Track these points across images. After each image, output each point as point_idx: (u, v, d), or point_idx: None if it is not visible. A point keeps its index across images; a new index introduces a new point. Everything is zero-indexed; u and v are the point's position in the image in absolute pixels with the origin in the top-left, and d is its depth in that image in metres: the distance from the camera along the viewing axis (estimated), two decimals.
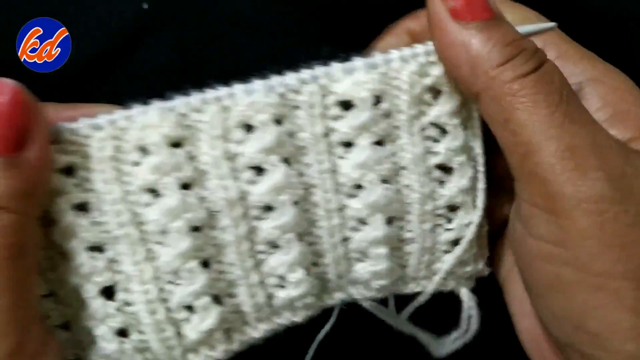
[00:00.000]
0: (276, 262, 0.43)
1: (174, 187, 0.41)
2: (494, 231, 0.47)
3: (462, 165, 0.44)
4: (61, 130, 0.41)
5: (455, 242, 0.45)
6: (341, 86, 0.43)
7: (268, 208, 0.43)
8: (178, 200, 0.41)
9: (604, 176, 0.36)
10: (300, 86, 0.43)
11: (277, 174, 0.42)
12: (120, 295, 0.42)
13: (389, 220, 0.45)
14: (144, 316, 0.42)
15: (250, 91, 0.42)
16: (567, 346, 0.39)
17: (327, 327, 0.47)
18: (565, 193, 0.36)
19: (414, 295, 0.47)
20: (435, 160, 0.44)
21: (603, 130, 0.37)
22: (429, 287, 0.46)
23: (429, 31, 0.41)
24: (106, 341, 0.42)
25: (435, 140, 0.44)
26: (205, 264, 0.43)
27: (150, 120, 0.41)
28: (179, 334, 0.43)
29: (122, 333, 0.43)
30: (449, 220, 0.45)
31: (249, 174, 0.42)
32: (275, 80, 0.42)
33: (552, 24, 0.43)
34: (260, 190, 0.42)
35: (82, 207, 0.42)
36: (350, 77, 0.43)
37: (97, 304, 0.42)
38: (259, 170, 0.43)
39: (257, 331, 0.45)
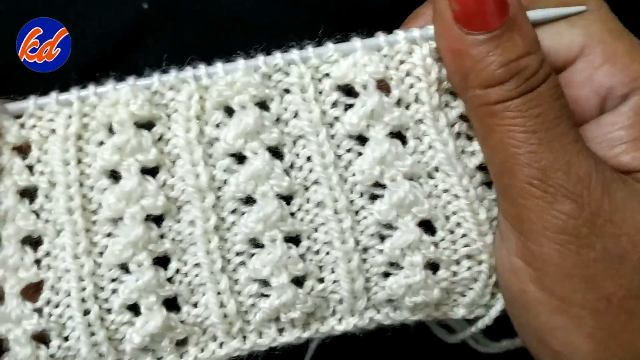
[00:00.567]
0: (258, 263, 0.39)
1: (135, 170, 0.38)
2: None
3: None
4: (27, 104, 0.39)
5: None
6: (337, 68, 0.39)
7: (247, 202, 0.39)
8: (135, 184, 0.38)
9: (573, 209, 0.35)
10: (288, 67, 0.39)
11: (257, 161, 0.39)
12: (45, 294, 0.39)
13: (430, 228, 0.40)
14: (76, 316, 0.38)
15: (231, 71, 0.39)
16: (534, 355, 0.40)
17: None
18: (532, 219, 0.36)
19: None
20: (475, 161, 0.40)
21: (588, 160, 0.36)
22: (492, 313, 0.42)
23: (434, 29, 0.39)
24: (19, 345, 0.38)
25: (470, 138, 0.40)
26: (162, 261, 0.39)
27: (121, 96, 0.39)
28: (114, 339, 0.39)
29: (41, 338, 0.39)
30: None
31: (227, 162, 0.39)
32: (259, 59, 0.39)
33: (581, 8, 0.40)
34: (237, 180, 0.39)
35: (25, 193, 0.39)
36: (347, 59, 0.39)
37: (13, 303, 0.38)
38: (240, 159, 0.39)
39: (224, 348, 0.40)
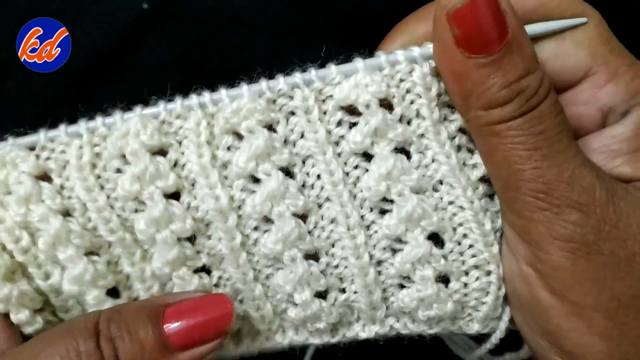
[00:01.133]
0: (281, 279, 0.41)
1: (158, 196, 0.39)
2: None
3: None
4: (37, 137, 0.40)
5: None
6: (340, 90, 0.40)
7: (266, 221, 0.41)
8: (161, 210, 0.39)
9: (580, 218, 0.37)
10: (292, 90, 0.40)
11: (272, 182, 0.39)
12: (124, 294, 0.42)
13: (439, 241, 0.41)
14: None
15: (235, 97, 0.40)
16: (543, 359, 0.41)
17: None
18: (540, 230, 0.37)
19: None
20: (477, 173, 0.40)
21: (590, 171, 0.37)
22: (502, 325, 0.42)
23: (433, 49, 0.39)
24: None
25: (470, 151, 0.41)
26: (206, 270, 0.42)
27: (130, 127, 0.39)
28: None
29: None
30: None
31: (242, 182, 0.40)
32: (263, 84, 0.40)
33: (582, 20, 0.41)
34: (254, 202, 0.40)
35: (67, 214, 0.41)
36: (349, 80, 0.39)
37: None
38: (256, 179, 0.40)
39: (269, 342, 0.44)
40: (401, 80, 0.40)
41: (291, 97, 0.40)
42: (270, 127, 0.40)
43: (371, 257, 0.40)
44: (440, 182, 0.40)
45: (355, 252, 0.40)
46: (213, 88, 0.41)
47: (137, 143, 0.39)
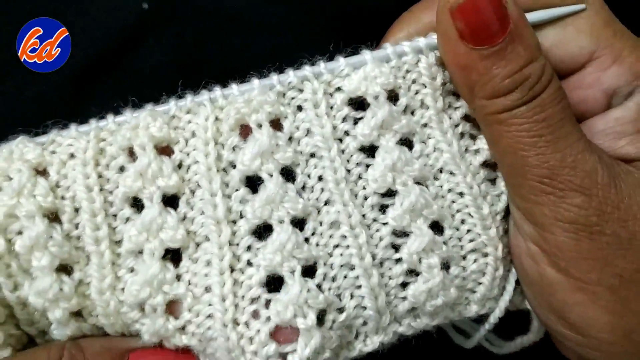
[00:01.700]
0: (280, 305, 0.38)
1: (157, 198, 0.39)
2: None
3: None
4: (47, 137, 0.40)
5: None
6: (349, 82, 0.40)
7: (261, 236, 0.39)
8: (155, 214, 0.38)
9: (583, 201, 0.38)
10: (301, 83, 0.40)
11: (271, 185, 0.39)
12: (90, 320, 0.39)
13: (440, 230, 0.41)
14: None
15: (246, 91, 0.40)
16: (552, 330, 0.43)
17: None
18: (545, 212, 0.39)
19: None
20: (479, 158, 0.42)
21: (592, 155, 0.39)
22: (501, 304, 0.43)
23: (437, 43, 0.41)
24: None
25: (473, 137, 0.42)
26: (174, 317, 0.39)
27: (140, 120, 0.39)
28: None
29: None
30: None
31: (241, 192, 0.39)
32: (273, 78, 0.41)
33: (581, 7, 0.42)
34: (253, 207, 0.39)
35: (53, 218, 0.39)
36: (358, 72, 0.40)
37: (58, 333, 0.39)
38: (253, 189, 0.40)
39: None
40: (407, 71, 0.41)
41: (301, 90, 0.41)
42: (278, 122, 0.40)
43: (374, 257, 0.40)
44: (441, 171, 0.41)
45: (359, 252, 0.39)
46: (218, 85, 0.41)
47: (146, 135, 0.39)
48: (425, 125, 0.41)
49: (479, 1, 0.37)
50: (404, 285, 0.41)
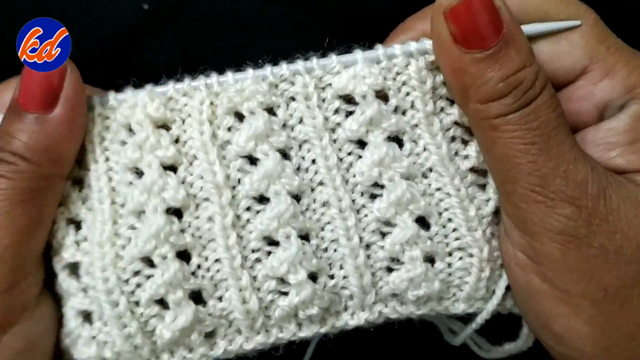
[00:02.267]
0: (275, 260, 0.41)
1: (155, 165, 0.41)
2: None
3: None
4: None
5: None
6: (339, 79, 0.42)
7: (262, 200, 0.41)
8: (156, 177, 0.40)
9: (573, 212, 0.38)
10: (293, 77, 0.42)
11: (269, 161, 0.41)
12: (83, 279, 0.41)
13: (425, 224, 0.42)
14: (105, 307, 0.40)
15: (240, 79, 0.42)
16: (539, 338, 0.43)
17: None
18: (534, 221, 0.39)
19: None
20: (467, 164, 0.42)
21: (584, 166, 0.38)
22: (489, 307, 0.44)
23: (432, 46, 0.41)
24: (68, 319, 0.41)
25: (464, 142, 0.43)
26: (185, 256, 0.41)
27: (138, 100, 0.41)
28: (146, 331, 0.40)
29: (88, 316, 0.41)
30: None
31: (239, 162, 0.41)
32: (267, 69, 0.42)
33: (576, 22, 0.42)
34: (252, 179, 0.41)
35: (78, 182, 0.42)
36: (348, 71, 0.41)
37: (64, 283, 0.41)
38: (252, 161, 0.42)
39: (250, 342, 0.42)
40: (397, 73, 0.42)
41: (292, 83, 0.42)
42: (271, 111, 0.42)
43: (361, 239, 0.42)
44: (430, 170, 0.42)
45: (346, 233, 0.41)
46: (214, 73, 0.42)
47: (143, 114, 0.41)
48: (415, 126, 0.42)
49: (472, 4, 0.37)
50: (390, 270, 0.42)
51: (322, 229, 0.42)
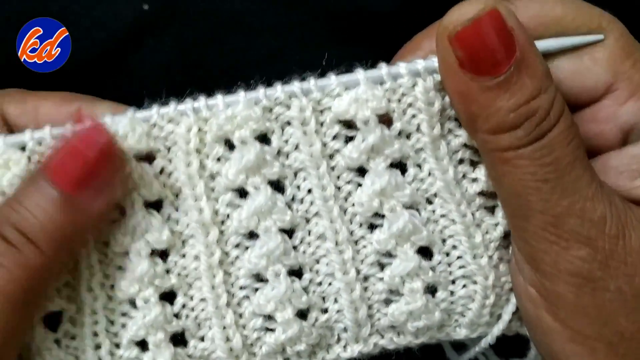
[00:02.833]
0: (262, 298, 0.39)
1: (139, 205, 0.38)
2: None
3: None
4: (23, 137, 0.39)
5: None
6: (339, 103, 0.38)
7: (252, 236, 0.39)
8: (139, 218, 0.38)
9: (588, 253, 0.36)
10: (289, 99, 0.39)
11: (260, 197, 0.38)
12: (65, 326, 0.40)
13: (428, 254, 0.40)
14: (87, 350, 0.39)
15: (231, 103, 0.38)
16: None
17: None
18: (546, 260, 0.36)
19: None
20: (475, 187, 0.40)
21: (602, 203, 0.36)
22: (494, 331, 0.42)
23: (439, 69, 0.38)
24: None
25: (473, 164, 0.40)
26: (169, 297, 0.40)
27: (118, 130, 0.38)
28: None
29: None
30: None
31: (229, 196, 0.39)
32: (260, 92, 0.39)
33: (598, 37, 0.39)
34: (240, 216, 0.39)
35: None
36: (349, 93, 0.38)
37: (40, 335, 0.39)
38: (242, 193, 0.39)
39: None
40: (403, 95, 0.38)
41: (288, 107, 0.39)
42: (265, 137, 0.39)
43: (358, 272, 0.40)
44: (435, 195, 0.40)
45: (342, 267, 0.39)
46: (212, 90, 0.40)
47: (123, 146, 0.38)
48: (420, 149, 0.39)
49: (481, 27, 0.34)
50: (388, 302, 0.41)
51: (317, 262, 0.40)
